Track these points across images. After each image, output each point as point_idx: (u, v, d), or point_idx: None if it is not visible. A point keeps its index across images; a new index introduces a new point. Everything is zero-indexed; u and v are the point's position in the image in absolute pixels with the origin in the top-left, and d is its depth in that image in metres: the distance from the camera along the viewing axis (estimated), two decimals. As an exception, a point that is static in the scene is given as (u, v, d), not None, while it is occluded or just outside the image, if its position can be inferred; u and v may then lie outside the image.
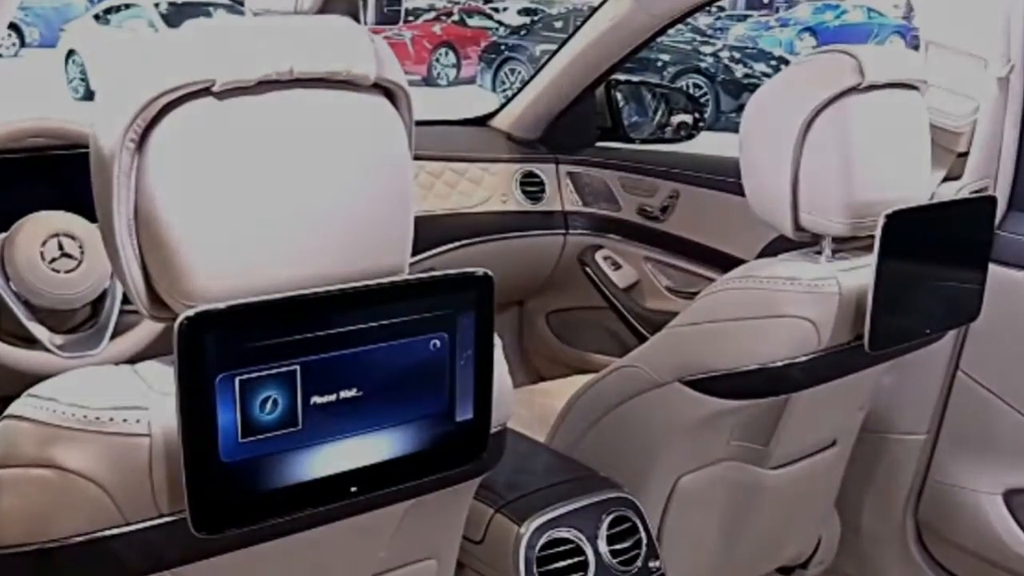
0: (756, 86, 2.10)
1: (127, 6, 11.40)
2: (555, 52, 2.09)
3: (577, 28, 2.03)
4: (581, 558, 1.16)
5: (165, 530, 0.72)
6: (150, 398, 0.71)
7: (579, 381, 1.50)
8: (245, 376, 0.66)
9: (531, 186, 2.15)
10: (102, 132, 0.71)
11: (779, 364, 1.21)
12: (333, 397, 0.71)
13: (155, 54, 0.70)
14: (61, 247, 1.23)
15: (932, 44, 1.55)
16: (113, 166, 0.70)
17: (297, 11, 1.53)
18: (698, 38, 11.60)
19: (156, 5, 11.26)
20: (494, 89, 11.90)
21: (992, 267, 1.37)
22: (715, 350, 1.25)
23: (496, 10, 16.12)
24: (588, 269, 2.16)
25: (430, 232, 1.92)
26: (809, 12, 16.84)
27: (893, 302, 1.19)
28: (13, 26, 13.51)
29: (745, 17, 17.95)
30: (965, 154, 1.55)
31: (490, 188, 2.09)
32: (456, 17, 14.62)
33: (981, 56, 1.49)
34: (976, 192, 1.54)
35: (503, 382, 0.85)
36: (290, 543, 0.78)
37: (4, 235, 1.24)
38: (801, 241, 1.27)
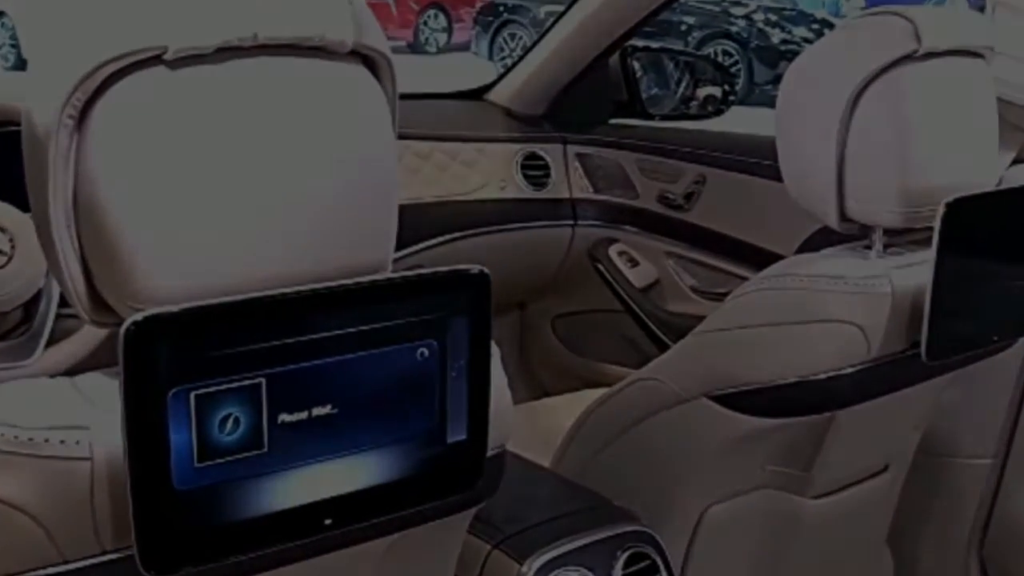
0: (795, 54, 2.10)
1: (65, -39, 11.40)
2: (562, 14, 2.09)
3: (587, -14, 2.04)
4: (592, 601, 1.16)
5: (109, 569, 0.72)
6: (91, 416, 0.71)
7: (590, 396, 1.50)
8: (202, 390, 0.66)
9: (534, 170, 2.15)
10: (36, 107, 0.71)
11: (822, 376, 1.21)
12: (304, 415, 0.70)
13: (97, 16, 0.70)
14: (-12, 241, 1.23)
15: (1000, 4, 1.55)
16: (49, 147, 0.70)
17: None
18: (728, -3, 11.62)
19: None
20: (491, 57, 11.90)
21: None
22: (748, 360, 1.25)
23: (493, -35, 16.13)
24: (600, 266, 2.17)
25: (417, 223, 1.92)
26: (857, -32, 16.88)
27: (955, 305, 1.19)
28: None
29: (783, -27, 17.97)
30: (1038, 132, 1.56)
31: (487, 172, 2.09)
32: (447, -27, 14.63)
33: (1057, 19, 1.49)
34: (1051, 176, 1.54)
35: (502, 397, 0.85)
36: (254, 584, 0.78)
37: (-78, 227, 1.24)
38: (848, 234, 1.27)
